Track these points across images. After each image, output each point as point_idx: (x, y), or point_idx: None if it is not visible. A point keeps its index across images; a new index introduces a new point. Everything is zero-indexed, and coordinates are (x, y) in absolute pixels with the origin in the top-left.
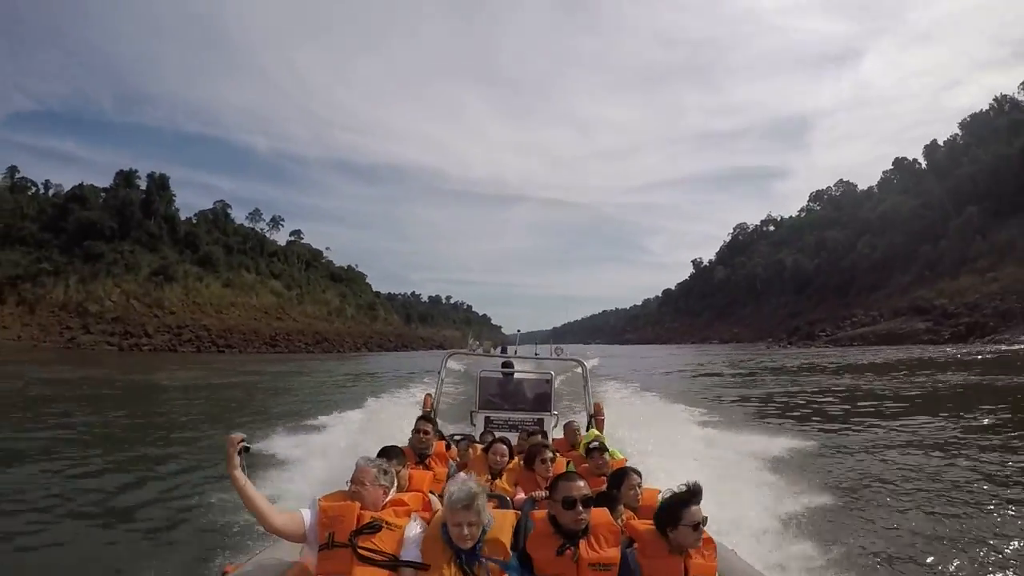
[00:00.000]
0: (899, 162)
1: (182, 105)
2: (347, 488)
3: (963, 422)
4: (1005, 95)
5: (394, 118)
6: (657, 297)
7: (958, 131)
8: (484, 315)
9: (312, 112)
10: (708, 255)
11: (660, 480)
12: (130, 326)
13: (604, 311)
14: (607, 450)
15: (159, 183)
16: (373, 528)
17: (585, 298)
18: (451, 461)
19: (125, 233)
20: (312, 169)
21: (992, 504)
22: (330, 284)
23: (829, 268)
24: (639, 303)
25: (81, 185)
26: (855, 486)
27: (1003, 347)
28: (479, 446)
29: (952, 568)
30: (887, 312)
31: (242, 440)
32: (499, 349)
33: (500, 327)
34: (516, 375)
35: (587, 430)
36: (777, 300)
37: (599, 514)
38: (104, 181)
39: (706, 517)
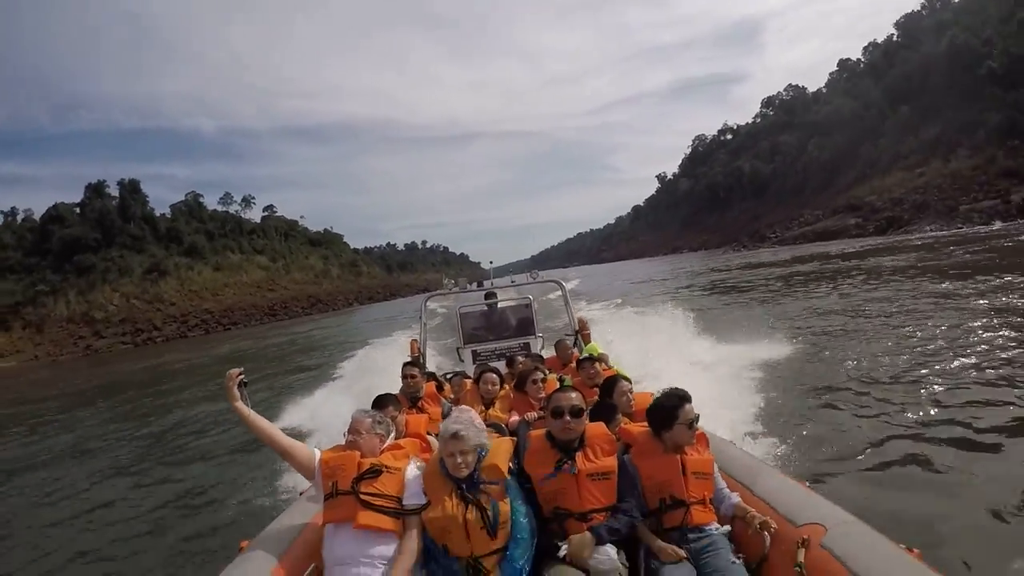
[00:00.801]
0: (843, 63)
1: (119, 103)
2: (344, 440)
3: (852, 298)
4: None
5: (337, 76)
6: (628, 214)
7: (893, 31)
8: (462, 254)
9: (253, 85)
10: (672, 168)
11: (658, 383)
12: (138, 323)
13: (579, 233)
14: (597, 359)
15: (130, 188)
16: (374, 473)
17: (559, 223)
18: (444, 399)
19: (110, 241)
20: (263, 141)
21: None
22: (311, 250)
23: (784, 171)
24: (612, 222)
25: (55, 205)
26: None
27: (912, 236)
28: (469, 380)
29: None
30: (827, 211)
31: (240, 374)
32: (475, 284)
33: (479, 263)
34: (496, 305)
35: (574, 346)
36: (739, 206)
37: (594, 426)
38: (54, 194)
39: (698, 415)
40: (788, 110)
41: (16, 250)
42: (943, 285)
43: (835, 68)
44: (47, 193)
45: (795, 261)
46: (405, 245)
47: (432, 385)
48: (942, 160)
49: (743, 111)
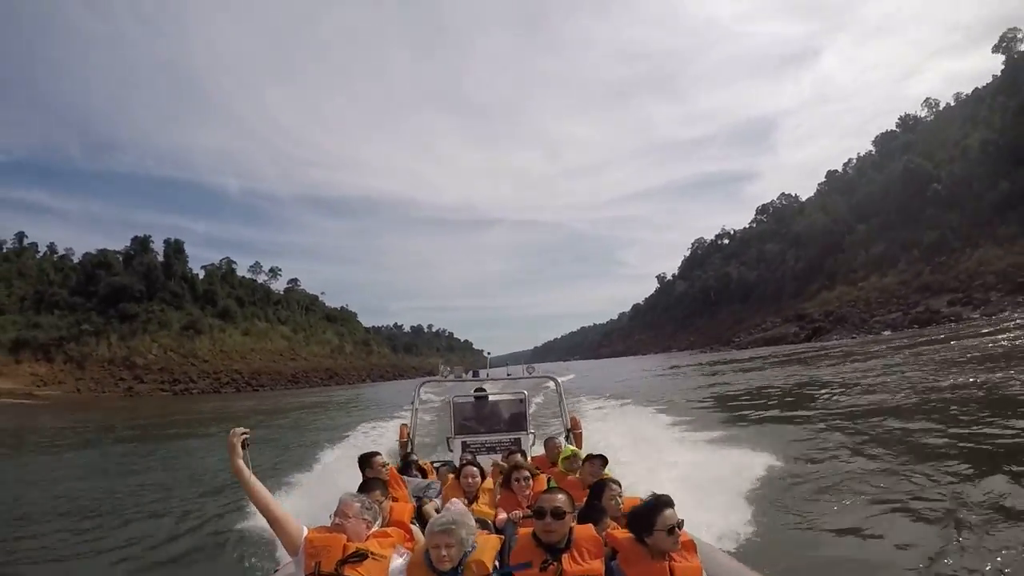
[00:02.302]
0: (830, 175)
1: (152, 150)
2: (331, 522)
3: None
4: (908, 114)
5: (363, 151)
6: (628, 312)
7: (871, 147)
8: (466, 340)
9: (282, 150)
10: (675, 266)
11: (644, 486)
12: (175, 374)
13: (582, 327)
14: (607, 461)
15: (175, 248)
16: (359, 557)
17: (565, 315)
18: (410, 479)
19: (152, 294)
20: (285, 207)
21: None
22: (328, 325)
23: (767, 278)
24: (615, 317)
25: (103, 251)
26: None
27: (820, 344)
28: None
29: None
30: (780, 319)
31: (244, 434)
32: (471, 373)
33: (482, 351)
34: (490, 397)
35: (565, 445)
36: (727, 309)
37: (582, 528)
38: (79, 230)
39: (681, 520)
40: (779, 218)
41: (62, 288)
42: (810, 373)
43: (823, 179)
44: (73, 228)
45: (730, 360)
46: (411, 327)
47: (394, 470)
48: (879, 275)
49: (754, 209)
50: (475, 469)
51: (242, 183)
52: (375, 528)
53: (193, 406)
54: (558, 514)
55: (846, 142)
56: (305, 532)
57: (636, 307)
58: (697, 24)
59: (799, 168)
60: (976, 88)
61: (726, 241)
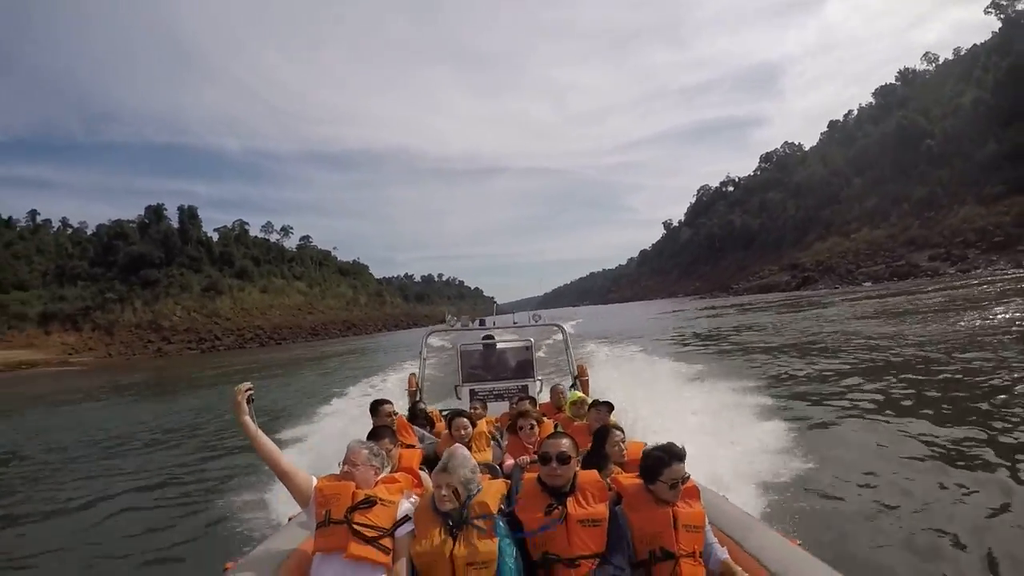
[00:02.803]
0: (832, 124)
1: (150, 117)
2: (339, 470)
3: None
4: (908, 67)
5: (366, 105)
6: (635, 258)
7: (871, 99)
8: (476, 288)
9: (281, 108)
10: (681, 212)
11: (652, 434)
12: (201, 333)
13: (592, 273)
14: (613, 407)
15: (189, 214)
16: (368, 503)
17: (574, 261)
18: (418, 428)
19: (171, 259)
20: (287, 164)
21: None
22: (341, 279)
23: (769, 226)
24: (623, 263)
25: (118, 222)
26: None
27: (805, 293)
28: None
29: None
30: (776, 268)
31: (248, 389)
32: (477, 322)
33: (492, 298)
34: (497, 345)
35: (572, 391)
36: (731, 256)
37: (587, 473)
38: (83, 202)
39: (687, 475)
40: (781, 167)
41: (81, 260)
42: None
43: (826, 129)
44: (77, 200)
45: (732, 307)
46: (422, 277)
47: (402, 418)
48: (871, 228)
49: (759, 156)
50: (466, 420)
51: (243, 143)
52: (384, 474)
53: (227, 359)
54: (563, 459)
55: (851, 89)
56: (314, 482)
57: (643, 253)
58: None
59: (806, 114)
60: (974, 44)
61: (731, 189)
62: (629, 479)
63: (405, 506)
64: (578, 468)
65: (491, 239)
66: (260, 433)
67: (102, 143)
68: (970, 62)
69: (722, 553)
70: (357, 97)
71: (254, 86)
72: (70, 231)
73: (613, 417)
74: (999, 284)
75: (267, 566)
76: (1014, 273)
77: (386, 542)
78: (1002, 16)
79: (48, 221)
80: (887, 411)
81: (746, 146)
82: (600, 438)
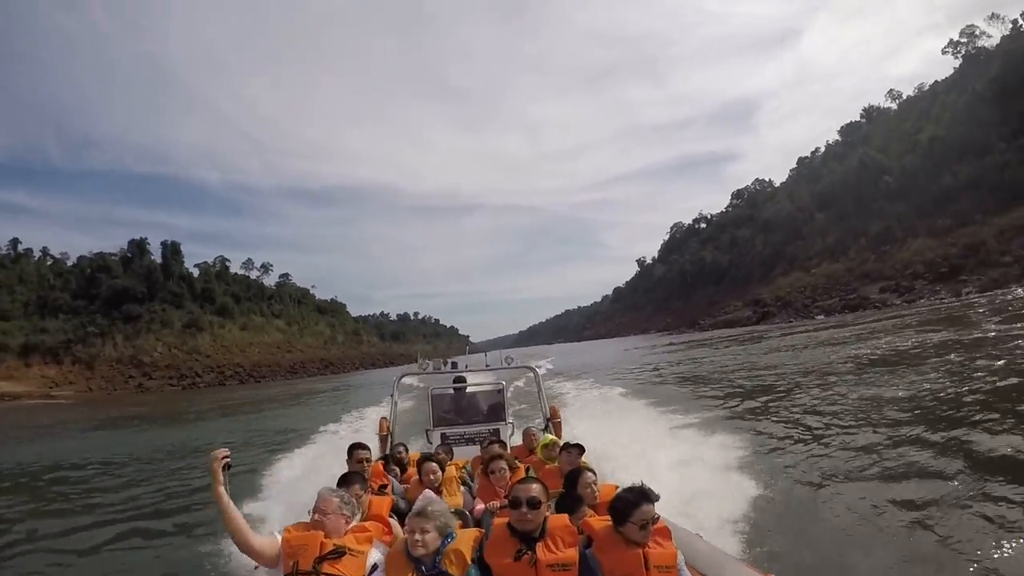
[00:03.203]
0: (801, 161)
1: (131, 146)
2: (310, 518)
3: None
4: (872, 105)
5: (346, 140)
6: (610, 295)
7: (838, 136)
8: (451, 326)
9: (263, 142)
10: (656, 249)
11: (624, 474)
12: (182, 370)
13: (567, 310)
14: (584, 450)
15: (172, 249)
16: (336, 554)
17: (549, 299)
18: (393, 480)
19: (153, 295)
20: (267, 199)
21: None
22: (319, 317)
23: (739, 262)
24: (598, 300)
25: (102, 255)
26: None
27: (762, 328)
28: (413, 471)
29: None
30: (742, 303)
31: (225, 456)
32: (450, 365)
33: (467, 336)
34: (468, 388)
35: (544, 434)
36: (702, 292)
37: (557, 518)
38: (61, 230)
39: (657, 516)
40: (752, 203)
41: (63, 292)
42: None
43: (795, 165)
44: (54, 228)
45: (687, 342)
46: (398, 315)
47: (379, 466)
48: (831, 262)
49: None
50: (435, 465)
51: (223, 176)
52: (354, 523)
53: (209, 396)
54: (533, 504)
55: (827, 121)
56: (279, 537)
57: (617, 290)
58: (678, 6)
59: (781, 148)
60: (935, 81)
61: (703, 225)
62: (599, 522)
63: (375, 555)
64: (549, 513)
65: (466, 277)
66: (231, 506)
67: (82, 170)
68: (931, 99)
69: None
70: (336, 130)
71: (236, 117)
72: (51, 261)
73: (585, 459)
74: (924, 314)
75: None
76: (950, 302)
77: None
78: (960, 54)
79: (30, 250)
80: (836, 439)
81: (720, 181)
82: (572, 480)
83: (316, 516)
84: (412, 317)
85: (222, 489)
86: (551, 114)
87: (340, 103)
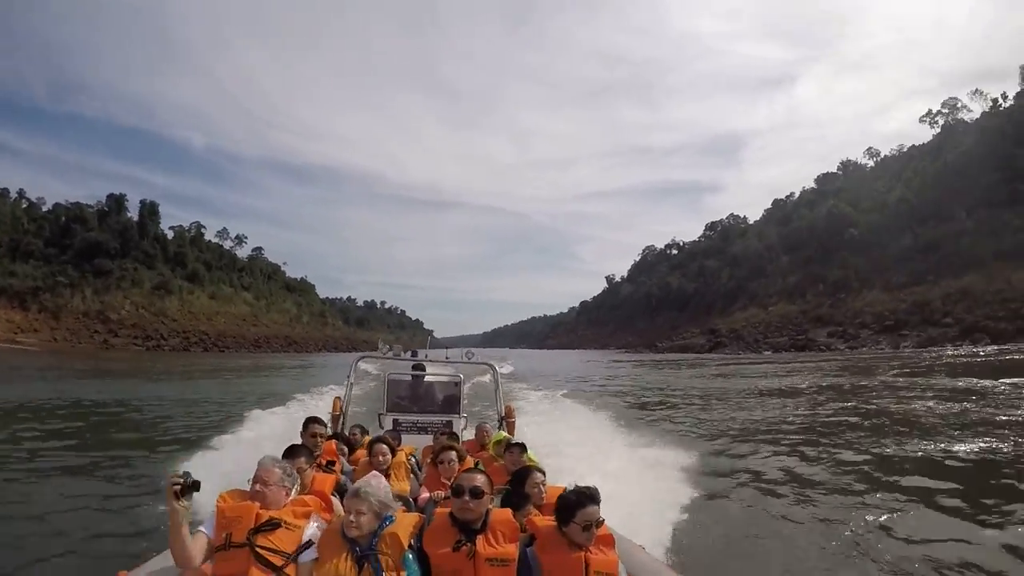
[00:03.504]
0: (776, 202)
1: (120, 97)
2: (249, 487)
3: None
4: (849, 159)
5: (335, 122)
6: (576, 307)
7: (814, 184)
8: (417, 319)
9: (251, 111)
10: (626, 268)
11: (573, 478)
12: (147, 331)
13: (532, 317)
14: (527, 449)
15: (150, 209)
16: (271, 526)
17: (517, 303)
18: (344, 461)
19: (126, 252)
20: (248, 168)
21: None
22: (287, 295)
23: (703, 291)
24: (564, 311)
25: (79, 205)
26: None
27: (713, 355)
28: (362, 451)
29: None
30: (700, 330)
31: (179, 477)
32: (410, 353)
33: (432, 331)
34: (425, 378)
35: (497, 431)
36: (665, 315)
37: (500, 512)
38: (38, 173)
39: (602, 519)
40: (724, 236)
41: (37, 238)
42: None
43: (770, 206)
44: (30, 171)
45: (659, 363)
46: (365, 302)
47: (333, 444)
48: (787, 303)
49: (714, 218)
50: (385, 447)
51: (208, 140)
52: (294, 495)
53: (176, 360)
54: (476, 493)
55: (809, 168)
56: (205, 532)
57: (584, 303)
58: (681, 37)
59: (761, 187)
60: (912, 145)
61: (674, 251)
62: (544, 520)
63: (311, 530)
64: (492, 506)
65: (439, 272)
66: (181, 529)
67: (67, 113)
68: (905, 161)
69: None
70: (327, 112)
71: (230, 85)
72: (27, 204)
73: (535, 457)
74: (850, 361)
75: None
76: (886, 352)
77: (289, 569)
78: (937, 124)
79: (6, 190)
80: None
81: (698, 211)
82: (520, 478)
83: (257, 486)
84: (379, 305)
85: (176, 505)
86: (542, 124)
87: (335, 85)
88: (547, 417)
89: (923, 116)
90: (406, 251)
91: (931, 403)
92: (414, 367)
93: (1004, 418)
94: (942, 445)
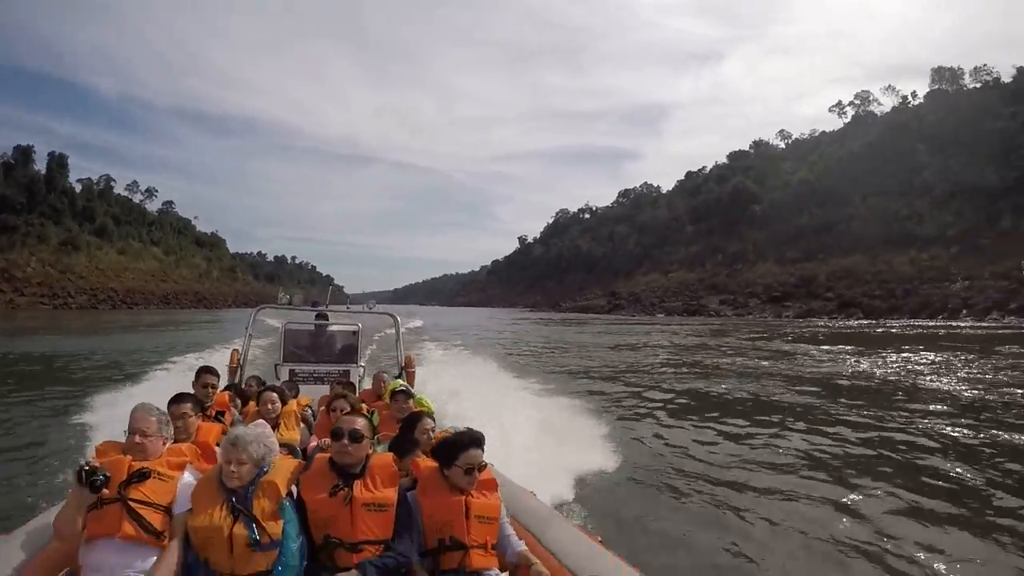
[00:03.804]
0: (689, 174)
1: (26, 40)
2: (125, 438)
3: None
4: (762, 139)
5: (253, 70)
6: (488, 266)
7: (726, 160)
8: (327, 275)
9: (165, 57)
10: (541, 229)
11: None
12: (55, 289)
13: (445, 275)
14: (413, 396)
15: (59, 162)
16: (142, 476)
17: (431, 261)
18: (236, 413)
19: (32, 207)
20: (160, 117)
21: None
22: (197, 249)
23: (611, 256)
24: (478, 268)
25: None
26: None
27: (613, 316)
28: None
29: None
30: (603, 292)
31: (86, 467)
32: (311, 303)
33: (342, 287)
34: (323, 327)
35: (395, 380)
36: (573, 277)
37: (380, 456)
38: None
39: (484, 463)
40: (636, 204)
41: None
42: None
43: (683, 177)
44: None
45: (559, 321)
46: (275, 257)
47: (225, 396)
48: (687, 271)
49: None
50: (274, 395)
51: (120, 87)
52: (170, 444)
53: (87, 318)
54: (355, 436)
55: (727, 143)
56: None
57: (496, 263)
58: (619, 8)
59: (677, 158)
60: (822, 132)
61: (587, 216)
62: (426, 463)
63: (186, 480)
64: (372, 451)
65: (356, 228)
66: (81, 512)
67: None
68: (813, 146)
69: (519, 546)
70: (246, 59)
71: (142, 28)
72: None
73: (430, 404)
74: (721, 325)
75: (38, 541)
76: (767, 320)
77: (162, 519)
78: (844, 115)
79: None
80: (682, 413)
81: (617, 177)
82: (410, 424)
83: (136, 438)
84: (290, 261)
85: (82, 493)
86: (467, 83)
87: (254, 32)
88: (448, 368)
89: (832, 106)
90: (323, 206)
91: (741, 358)
92: (317, 316)
93: (789, 373)
94: (724, 387)
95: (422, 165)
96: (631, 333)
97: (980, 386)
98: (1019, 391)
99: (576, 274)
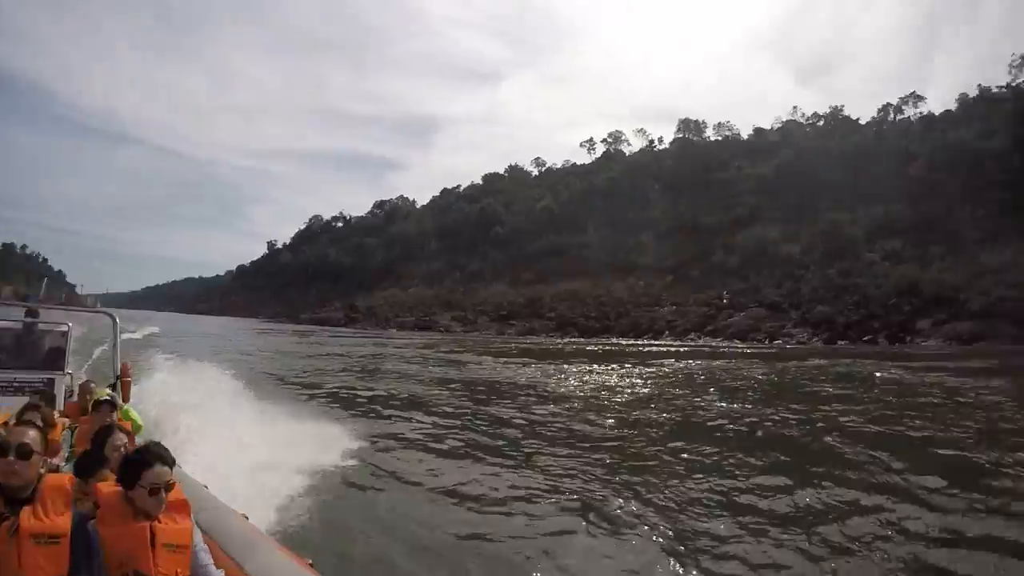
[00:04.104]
0: (444, 191)
1: None
2: None
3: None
4: (517, 164)
5: (19, 18)
6: (233, 271)
7: (480, 182)
8: (60, 271)
9: None
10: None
11: (189, 446)
12: None
13: (188, 278)
14: (117, 407)
15: None
16: None
17: (178, 261)
18: None
19: None
20: None
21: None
22: None
23: (359, 267)
24: (222, 273)
25: None
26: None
27: (347, 330)
28: None
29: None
30: (341, 304)
31: None
32: (24, 299)
33: (76, 285)
34: (25, 327)
35: (104, 390)
36: (318, 287)
37: (54, 477)
38: None
39: (172, 482)
40: (389, 217)
41: None
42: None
43: (437, 194)
44: None
45: (294, 332)
46: (4, 244)
47: None
48: (425, 287)
49: (390, 194)
50: None
51: None
52: None
53: None
54: (23, 452)
55: (494, 163)
56: None
57: (242, 268)
58: (415, 12)
59: (444, 174)
60: (574, 164)
61: (340, 224)
62: (108, 487)
63: None
64: (44, 470)
65: (101, 216)
66: None
67: None
68: (563, 176)
69: (215, 574)
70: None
71: None
72: None
73: (137, 418)
74: (435, 340)
75: None
76: (492, 337)
77: None
78: (594, 151)
79: None
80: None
81: (378, 186)
82: (100, 439)
83: None
84: (20, 250)
85: None
86: (247, 68)
87: None
88: (171, 382)
89: (584, 142)
90: (62, 186)
91: (432, 368)
92: (26, 313)
93: (462, 377)
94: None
95: (184, 152)
96: (342, 344)
97: (591, 386)
98: (605, 393)
99: (322, 284)
